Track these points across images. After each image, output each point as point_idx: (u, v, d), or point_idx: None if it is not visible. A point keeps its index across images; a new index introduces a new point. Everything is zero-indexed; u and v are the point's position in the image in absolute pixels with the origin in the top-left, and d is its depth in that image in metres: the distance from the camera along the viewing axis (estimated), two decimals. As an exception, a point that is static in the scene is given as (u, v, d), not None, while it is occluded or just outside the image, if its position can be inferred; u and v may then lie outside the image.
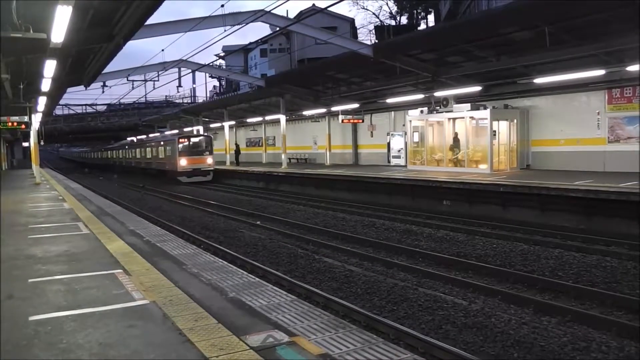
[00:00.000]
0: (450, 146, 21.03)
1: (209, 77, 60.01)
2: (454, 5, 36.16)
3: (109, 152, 62.35)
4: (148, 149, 41.54)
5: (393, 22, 48.64)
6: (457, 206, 16.94)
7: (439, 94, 20.32)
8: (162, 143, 37.26)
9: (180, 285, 5.88)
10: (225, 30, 15.94)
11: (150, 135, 51.73)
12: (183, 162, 32.93)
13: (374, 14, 52.25)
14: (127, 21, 11.35)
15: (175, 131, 43.23)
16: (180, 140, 33.74)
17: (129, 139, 58.24)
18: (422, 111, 22.19)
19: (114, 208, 14.51)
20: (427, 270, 9.86)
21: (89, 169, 61.77)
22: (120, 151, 54.92)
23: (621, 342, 6.39)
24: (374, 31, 48.89)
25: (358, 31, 52.79)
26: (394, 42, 22.94)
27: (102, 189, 29.11)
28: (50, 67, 11.88)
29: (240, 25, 16.07)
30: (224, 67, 52.56)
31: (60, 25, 7.83)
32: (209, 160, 33.71)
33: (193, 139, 34.31)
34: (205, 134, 37.17)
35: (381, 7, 64.84)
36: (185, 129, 42.27)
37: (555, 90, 18.15)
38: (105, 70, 19.33)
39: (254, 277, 6.66)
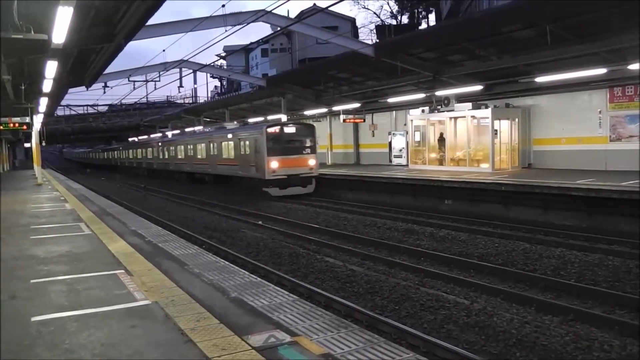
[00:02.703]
0: (439, 145, 21.52)
1: (210, 77, 60.02)
2: (455, 4, 36.13)
3: (129, 151, 50.83)
4: (202, 146, 29.85)
5: (394, 22, 48.64)
6: (458, 205, 16.92)
7: (440, 93, 20.30)
8: (230, 136, 25.87)
9: (182, 285, 5.89)
10: (226, 31, 15.96)
11: (198, 126, 39.58)
12: (274, 164, 21.60)
13: (374, 13, 52.30)
14: (128, 21, 11.37)
15: (258, 119, 31.39)
16: (271, 130, 22.29)
17: (157, 134, 48.21)
18: (423, 110, 22.17)
19: (115, 208, 14.53)
20: (429, 269, 9.86)
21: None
22: (150, 150, 42.28)
23: (623, 341, 6.38)
24: (374, 31, 48.92)
25: (359, 31, 52.78)
26: (395, 42, 22.91)
27: (103, 189, 29.16)
28: (51, 68, 11.89)
29: (241, 26, 16.07)
30: (225, 67, 52.57)
31: (61, 25, 7.84)
32: (312, 161, 22.39)
33: (288, 129, 22.80)
34: (305, 121, 26.98)
35: (382, 6, 64.78)
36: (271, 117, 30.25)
37: (556, 88, 18.11)
38: (107, 70, 19.38)
39: (255, 277, 6.68)
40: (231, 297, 5.49)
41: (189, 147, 32.44)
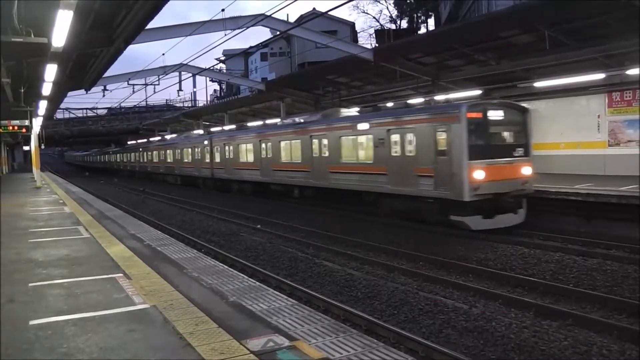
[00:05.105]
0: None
1: (210, 80, 60.16)
2: (454, 8, 36.26)
3: (154, 153, 39.51)
4: (289, 144, 20.78)
5: (393, 26, 48.80)
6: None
7: (439, 97, 20.32)
8: (363, 127, 16.48)
9: (180, 289, 5.89)
10: (225, 35, 15.99)
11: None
12: (479, 174, 12.68)
13: (374, 17, 52.57)
14: (128, 25, 11.41)
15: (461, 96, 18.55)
16: (474, 114, 13.09)
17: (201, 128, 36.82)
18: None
19: (114, 212, 14.52)
20: (427, 274, 9.86)
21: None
22: (189, 151, 32.06)
23: (622, 345, 6.39)
24: (374, 35, 49.07)
25: (358, 35, 52.96)
26: (395, 46, 22.96)
27: (102, 192, 29.13)
28: (51, 71, 11.93)
29: (241, 30, 16.14)
30: (225, 70, 52.71)
31: (61, 29, 7.87)
32: (527, 169, 13.70)
33: (494, 113, 13.59)
34: (513, 102, 15.01)
35: (381, 11, 65.19)
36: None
37: (555, 93, 18.14)
38: (106, 74, 19.41)
39: (254, 281, 6.68)
40: (230, 301, 5.49)
41: (264, 145, 22.50)
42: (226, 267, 7.50)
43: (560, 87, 17.05)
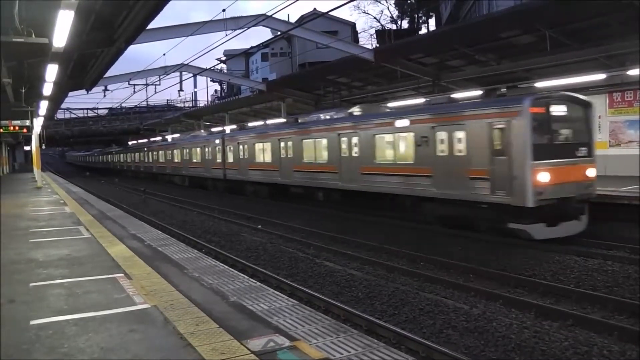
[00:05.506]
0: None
1: (210, 81, 60.12)
2: (455, 9, 36.25)
3: (172, 150, 34.28)
4: (321, 140, 18.80)
5: (394, 27, 48.83)
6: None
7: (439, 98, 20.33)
8: (401, 123, 14.98)
9: (181, 289, 5.89)
10: (226, 35, 15.99)
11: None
12: (544, 176, 11.36)
13: (375, 18, 52.52)
14: (129, 25, 11.42)
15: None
16: (537, 109, 11.74)
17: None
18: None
19: (115, 212, 14.54)
20: (428, 274, 9.85)
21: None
22: (205, 149, 28.97)
23: (623, 346, 6.38)
24: (375, 35, 49.10)
25: (359, 35, 52.98)
26: (395, 46, 22.98)
27: (103, 192, 29.14)
28: (52, 72, 11.94)
29: (242, 30, 16.12)
30: (226, 71, 52.70)
31: (62, 29, 7.88)
32: (591, 171, 12.40)
33: (557, 108, 12.17)
34: (576, 95, 12.88)
35: (382, 11, 65.27)
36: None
37: (556, 94, 18.16)
38: (107, 74, 19.42)
39: (255, 281, 6.69)
40: (230, 301, 5.49)
41: (284, 144, 20.87)
42: (227, 267, 7.52)
43: (561, 88, 17.01)
